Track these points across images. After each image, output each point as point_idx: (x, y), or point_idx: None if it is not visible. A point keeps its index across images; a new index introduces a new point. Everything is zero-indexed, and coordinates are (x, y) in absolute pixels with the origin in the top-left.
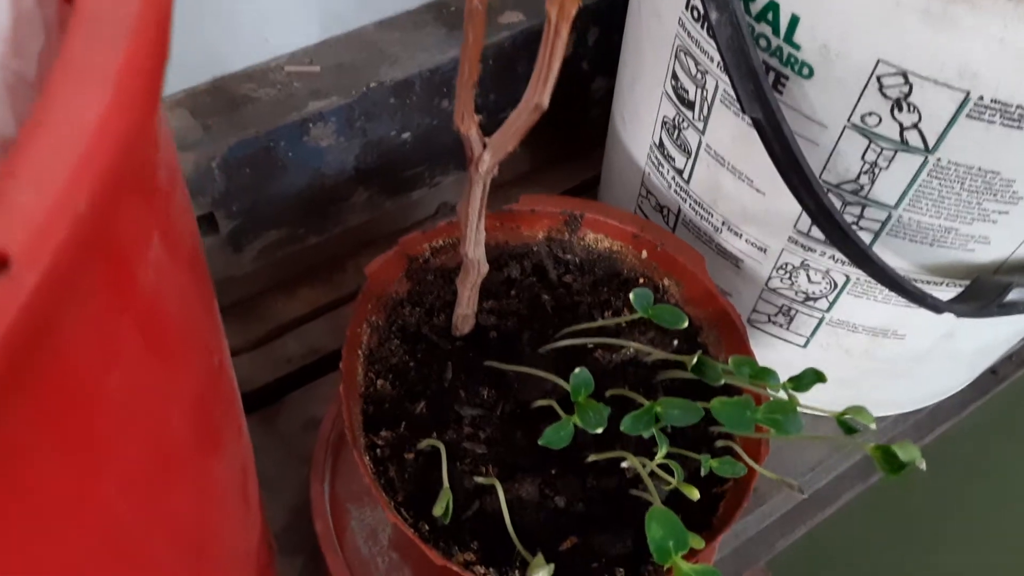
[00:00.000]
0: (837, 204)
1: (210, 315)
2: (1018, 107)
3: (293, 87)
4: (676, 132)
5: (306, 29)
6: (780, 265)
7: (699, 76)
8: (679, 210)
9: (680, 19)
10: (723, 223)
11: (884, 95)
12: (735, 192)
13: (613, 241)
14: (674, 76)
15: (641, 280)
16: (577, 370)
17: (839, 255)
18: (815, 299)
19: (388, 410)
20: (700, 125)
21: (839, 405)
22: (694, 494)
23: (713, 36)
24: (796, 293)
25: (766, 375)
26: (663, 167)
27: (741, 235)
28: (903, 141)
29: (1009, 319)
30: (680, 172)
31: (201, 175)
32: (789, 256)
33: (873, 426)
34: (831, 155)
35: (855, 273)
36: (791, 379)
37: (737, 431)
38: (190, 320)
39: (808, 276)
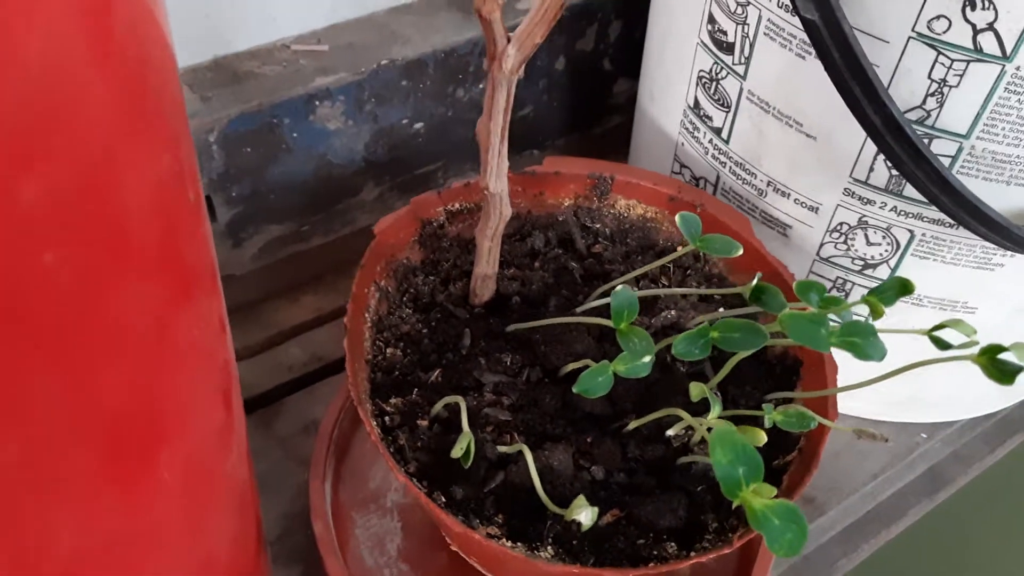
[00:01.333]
0: None
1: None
2: None
3: (299, 64)
4: (714, 86)
5: (315, 10)
6: (834, 227)
7: (739, 10)
8: (717, 179)
9: None
10: (768, 184)
11: None
12: (782, 142)
13: (647, 207)
14: (710, 20)
15: (679, 248)
16: (619, 288)
17: (902, 205)
18: (875, 265)
19: (398, 378)
20: (741, 70)
21: (895, 405)
22: (759, 438)
23: None
24: (853, 260)
25: (836, 301)
26: (699, 131)
27: (789, 195)
28: (976, 48)
29: None
30: (719, 132)
31: (198, 150)
32: (844, 214)
33: (975, 336)
34: (893, 76)
35: (920, 227)
36: (872, 292)
37: (810, 345)
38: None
39: (867, 236)
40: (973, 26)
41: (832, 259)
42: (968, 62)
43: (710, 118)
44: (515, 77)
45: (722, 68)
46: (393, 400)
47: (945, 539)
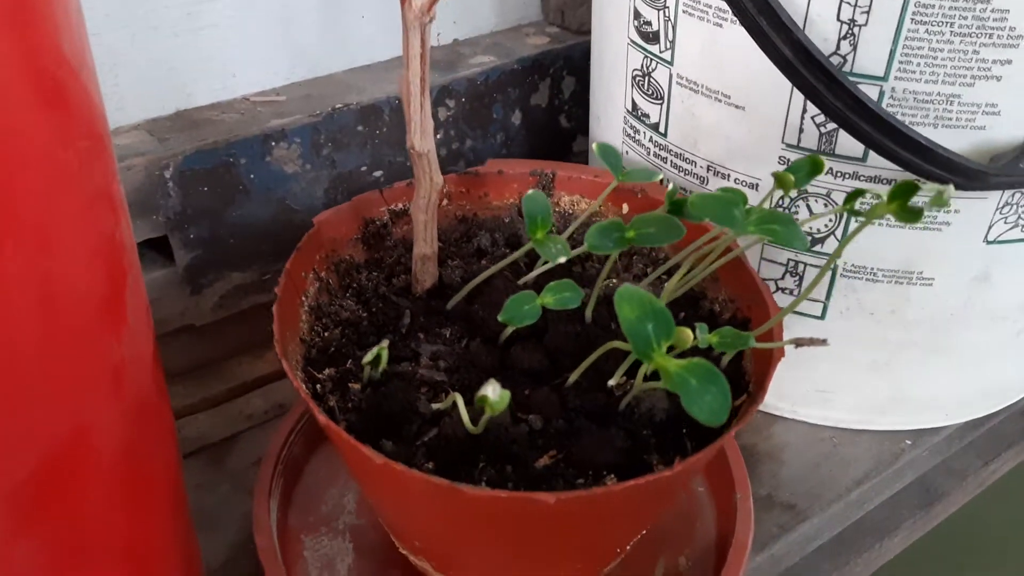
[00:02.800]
0: None
1: None
2: None
3: (257, 111)
4: (646, 80)
5: (275, 69)
6: (776, 202)
7: None
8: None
9: None
10: (708, 168)
11: None
12: (714, 121)
13: (591, 201)
14: (635, 15)
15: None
16: (530, 192)
17: (837, 165)
18: (822, 239)
19: (334, 354)
20: (668, 55)
21: (876, 408)
22: (687, 337)
23: None
24: None
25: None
26: (639, 134)
27: (728, 175)
28: None
29: None
30: (656, 127)
31: (153, 186)
32: None
33: (948, 194)
34: (804, 25)
35: (859, 188)
36: (785, 170)
37: (724, 223)
38: None
39: (809, 207)
40: None
41: None
42: None
43: (647, 115)
44: (427, 19)
45: (651, 60)
46: (327, 371)
47: (948, 561)
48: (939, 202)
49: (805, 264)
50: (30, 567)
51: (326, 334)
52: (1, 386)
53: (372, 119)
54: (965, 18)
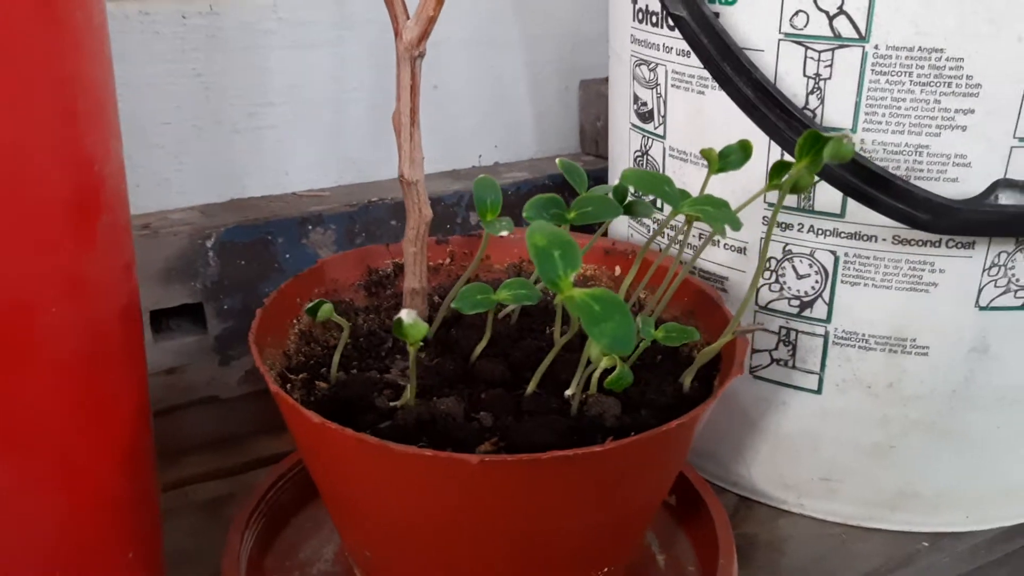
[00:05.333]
0: None
1: None
2: None
3: (300, 200)
4: (645, 159)
5: (324, 171)
6: (764, 265)
7: (652, 76)
8: (660, 249)
9: (632, 35)
10: (700, 236)
11: None
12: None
13: (587, 266)
14: (635, 99)
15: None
16: (481, 176)
17: (817, 222)
18: (810, 303)
19: (313, 366)
20: (660, 131)
21: (885, 503)
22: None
23: None
24: (789, 302)
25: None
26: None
27: (718, 241)
28: (836, 34)
29: None
30: (654, 202)
31: (195, 252)
32: (770, 248)
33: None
34: (775, 83)
35: (841, 246)
36: (719, 153)
37: (656, 194)
38: None
39: (795, 268)
40: (826, 13)
41: (771, 305)
42: (832, 50)
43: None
44: (416, 53)
45: (648, 138)
46: (300, 375)
47: None
48: (839, 151)
49: (797, 331)
50: None
51: (307, 349)
52: None
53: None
54: (922, 67)
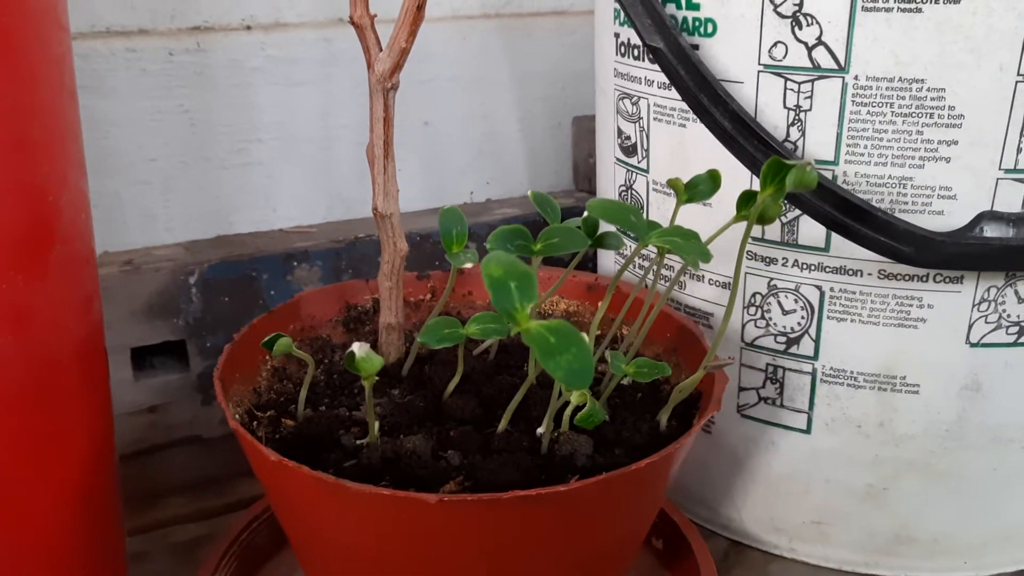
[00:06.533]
0: None
1: None
2: None
3: (287, 237)
4: (629, 193)
5: (312, 208)
6: (748, 301)
7: (634, 110)
8: (646, 285)
9: (615, 69)
10: (685, 272)
11: (780, 15)
12: (685, 221)
13: (570, 301)
14: (619, 133)
15: (599, 333)
16: (447, 207)
17: (801, 256)
18: (796, 339)
19: (283, 402)
20: (644, 164)
21: (880, 548)
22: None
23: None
24: (776, 339)
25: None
26: (626, 248)
27: (703, 276)
28: (815, 65)
29: None
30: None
31: (178, 289)
32: (754, 282)
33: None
34: (755, 115)
35: (826, 281)
36: (687, 183)
37: (620, 224)
38: None
39: (780, 304)
40: (805, 44)
41: (757, 342)
42: (812, 81)
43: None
44: (390, 85)
45: (632, 172)
46: (267, 413)
47: None
48: (803, 179)
49: (784, 369)
50: None
51: (278, 386)
52: None
53: None
54: (903, 98)
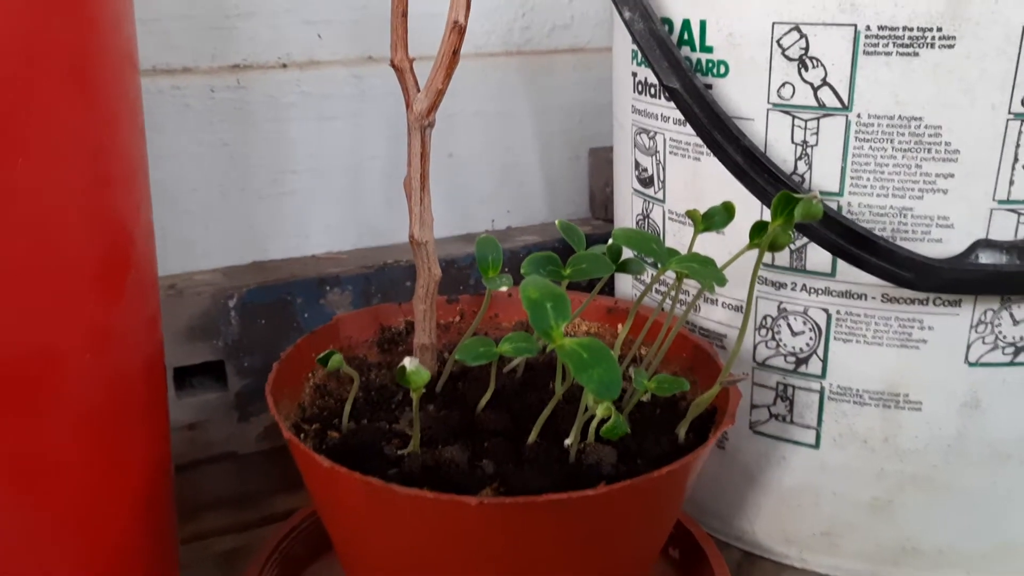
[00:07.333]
0: None
1: None
2: (905, 29)
3: (319, 263)
4: (646, 222)
5: (343, 236)
6: (760, 323)
7: (651, 143)
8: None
9: (633, 105)
10: (702, 294)
11: (787, 58)
12: (700, 249)
13: (591, 323)
14: (636, 166)
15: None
16: (483, 236)
17: (809, 281)
18: (805, 359)
19: (326, 418)
20: (660, 195)
21: (887, 559)
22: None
23: (630, 31)
24: (785, 358)
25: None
26: (643, 274)
27: (717, 300)
28: (820, 104)
29: None
30: (655, 264)
31: (218, 312)
32: (765, 305)
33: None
34: (765, 150)
35: (833, 304)
36: (704, 214)
37: (643, 252)
38: None
39: (790, 326)
40: (811, 85)
41: (768, 362)
42: (818, 119)
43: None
44: (427, 123)
45: (649, 202)
46: (313, 426)
47: None
48: (809, 211)
49: (794, 387)
50: None
51: (322, 402)
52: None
53: None
54: (903, 135)
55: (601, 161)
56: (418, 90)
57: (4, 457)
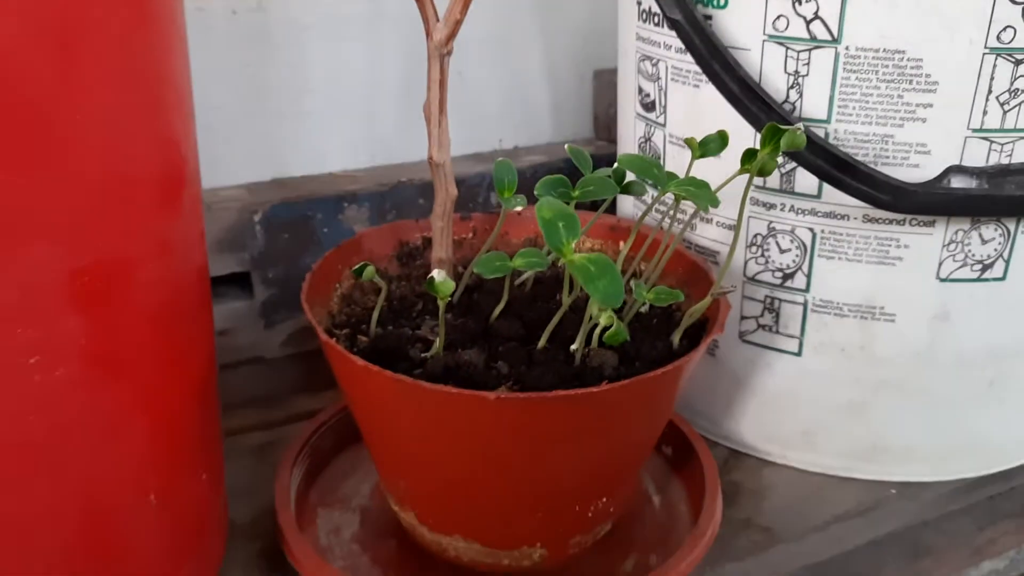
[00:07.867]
0: None
1: None
2: None
3: (336, 180)
4: (648, 145)
5: (358, 154)
6: (751, 241)
7: (654, 70)
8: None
9: (637, 33)
10: (698, 214)
11: None
12: (697, 171)
13: (595, 241)
14: (639, 91)
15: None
16: (500, 159)
17: (797, 202)
18: (791, 274)
19: (354, 323)
20: (662, 119)
21: (860, 455)
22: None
23: None
24: (773, 274)
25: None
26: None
27: (712, 219)
28: (812, 37)
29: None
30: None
31: (244, 226)
32: (756, 224)
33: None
34: (760, 80)
35: (818, 223)
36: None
37: (643, 175)
38: None
39: (778, 244)
40: (804, 18)
41: (757, 277)
42: (809, 50)
43: None
44: (445, 51)
45: (651, 126)
46: (344, 330)
47: None
48: (793, 141)
49: (780, 300)
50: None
51: (350, 313)
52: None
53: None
54: (887, 67)
55: (605, 84)
56: (437, 19)
57: (93, 344)
